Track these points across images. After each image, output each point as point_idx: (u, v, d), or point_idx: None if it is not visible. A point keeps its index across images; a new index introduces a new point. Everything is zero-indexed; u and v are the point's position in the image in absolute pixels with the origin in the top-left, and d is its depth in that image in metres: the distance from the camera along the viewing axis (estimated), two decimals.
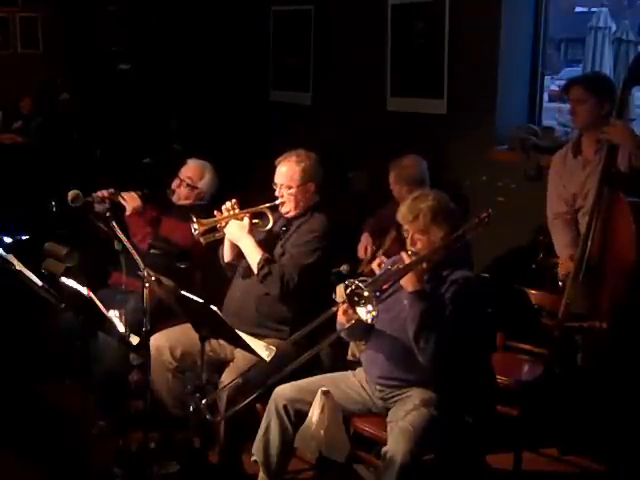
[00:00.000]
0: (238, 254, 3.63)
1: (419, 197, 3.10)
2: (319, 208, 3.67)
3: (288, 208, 3.62)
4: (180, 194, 4.26)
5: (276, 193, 3.63)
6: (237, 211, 3.56)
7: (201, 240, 3.59)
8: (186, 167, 4.29)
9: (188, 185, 4.23)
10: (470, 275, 3.12)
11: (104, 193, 3.93)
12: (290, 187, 3.58)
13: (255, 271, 3.49)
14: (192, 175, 4.25)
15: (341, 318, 3.02)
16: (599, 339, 3.51)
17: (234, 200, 3.57)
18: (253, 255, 3.51)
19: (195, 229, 3.52)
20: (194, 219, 3.52)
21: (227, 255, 3.69)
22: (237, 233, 3.55)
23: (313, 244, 3.53)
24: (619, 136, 3.42)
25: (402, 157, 4.43)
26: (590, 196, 3.58)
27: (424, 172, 4.42)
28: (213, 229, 3.59)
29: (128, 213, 4.09)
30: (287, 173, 3.59)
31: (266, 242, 3.61)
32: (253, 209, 3.60)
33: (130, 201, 4.10)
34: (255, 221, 3.60)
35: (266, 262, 3.47)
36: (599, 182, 3.49)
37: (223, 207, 3.57)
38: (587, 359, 3.60)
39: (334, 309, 3.02)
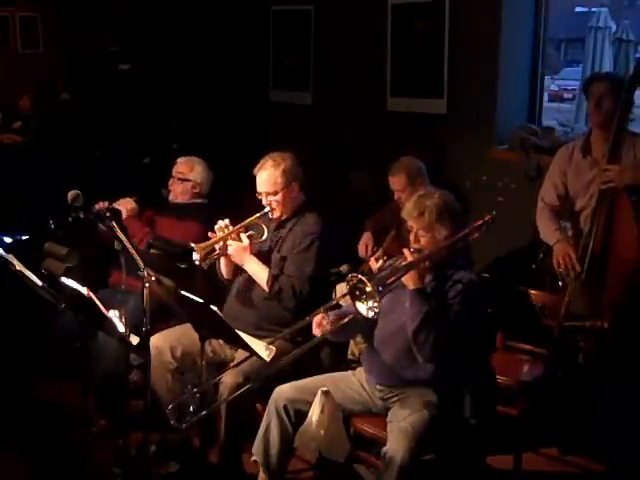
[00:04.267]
0: (236, 270, 3.64)
1: (425, 195, 3.10)
2: (308, 206, 3.65)
3: (278, 213, 3.60)
4: (175, 191, 4.29)
5: (263, 202, 3.59)
6: (231, 228, 3.52)
7: (203, 266, 3.53)
8: (176, 165, 4.35)
9: (180, 179, 4.27)
10: (474, 277, 3.11)
11: (101, 205, 3.94)
12: (276, 193, 3.55)
13: (267, 289, 3.48)
14: (182, 169, 4.30)
15: (315, 330, 3.06)
16: (600, 338, 3.51)
17: (226, 220, 3.53)
18: (260, 275, 3.50)
19: (196, 258, 3.44)
20: (193, 246, 3.45)
21: (226, 273, 3.69)
22: (241, 256, 3.52)
23: (313, 249, 3.52)
24: (620, 179, 3.43)
25: (398, 160, 4.39)
26: (594, 196, 3.58)
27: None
28: (211, 251, 3.53)
29: (125, 216, 4.12)
30: (268, 180, 3.55)
31: (262, 251, 3.59)
32: (246, 222, 3.57)
33: (124, 204, 4.15)
34: (250, 233, 3.58)
35: (275, 279, 3.47)
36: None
37: (216, 227, 3.53)
38: (588, 359, 3.60)
39: (308, 318, 3.07)
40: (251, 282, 3.58)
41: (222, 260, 3.65)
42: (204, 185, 4.30)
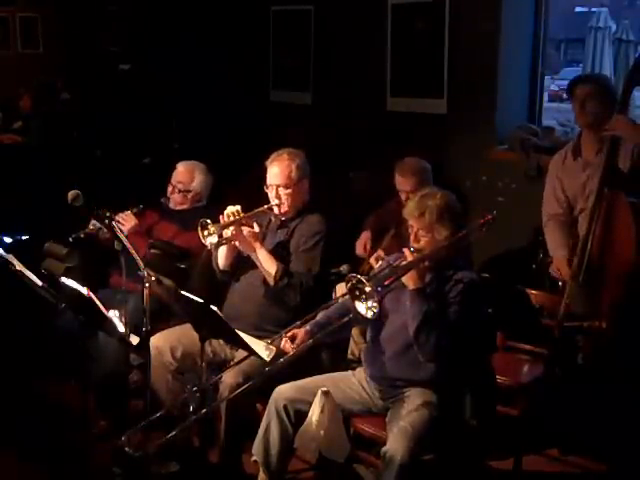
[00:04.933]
0: (233, 261, 3.62)
1: (427, 195, 3.10)
2: (312, 206, 3.64)
3: (286, 208, 3.58)
4: (175, 200, 4.26)
5: (270, 195, 3.57)
6: (242, 215, 3.48)
7: (214, 250, 3.54)
8: (175, 172, 4.28)
9: (180, 191, 4.23)
10: (474, 277, 3.11)
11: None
12: (287, 186, 3.54)
13: (272, 282, 3.45)
14: (182, 179, 4.24)
15: (287, 348, 3.13)
16: (599, 339, 3.51)
17: (238, 206, 3.48)
18: (269, 266, 3.46)
19: (212, 242, 3.41)
20: (208, 222, 3.39)
21: (223, 263, 3.65)
22: (252, 243, 3.48)
23: (319, 247, 3.52)
24: (624, 129, 3.42)
25: (404, 161, 4.37)
26: (591, 198, 3.57)
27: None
28: (220, 235, 3.50)
29: (127, 234, 4.07)
30: (282, 172, 3.54)
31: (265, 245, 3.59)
32: (255, 212, 3.55)
33: (127, 222, 4.07)
34: (260, 223, 3.57)
35: (284, 273, 3.45)
36: (600, 182, 3.49)
37: (226, 212, 3.47)
38: (587, 359, 3.60)
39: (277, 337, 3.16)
40: (252, 282, 3.57)
41: (221, 248, 3.61)
42: (204, 192, 4.28)
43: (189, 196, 4.24)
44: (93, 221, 3.93)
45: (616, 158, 3.48)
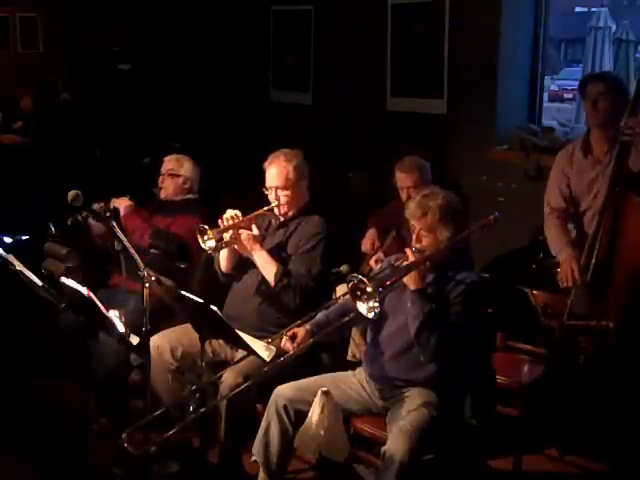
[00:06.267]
0: (235, 263, 3.62)
1: (430, 195, 3.09)
2: (312, 207, 3.64)
3: (286, 209, 3.58)
4: (167, 188, 4.28)
5: (270, 197, 3.57)
6: (241, 218, 3.48)
7: (213, 254, 3.56)
8: (164, 163, 4.35)
9: (170, 175, 4.27)
10: (476, 277, 3.11)
11: (97, 206, 3.96)
12: (286, 188, 3.53)
13: (272, 283, 3.45)
14: (172, 166, 4.30)
15: (287, 347, 3.14)
16: (606, 339, 3.49)
17: (237, 210, 3.48)
18: (268, 267, 3.46)
19: (210, 247, 3.42)
20: (206, 227, 3.39)
21: (225, 265, 3.64)
22: (252, 246, 3.48)
23: (320, 248, 3.51)
24: None
25: (404, 159, 4.37)
26: (599, 196, 3.56)
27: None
28: (219, 239, 3.49)
29: (123, 213, 4.11)
30: (280, 174, 3.53)
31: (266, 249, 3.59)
32: (255, 214, 3.55)
33: (121, 202, 4.13)
34: (258, 225, 3.57)
35: (284, 274, 3.44)
36: (610, 182, 3.47)
37: (225, 216, 3.48)
38: (591, 359, 3.59)
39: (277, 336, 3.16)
40: (252, 283, 3.57)
41: (222, 252, 3.61)
42: (194, 180, 4.31)
43: (180, 182, 4.26)
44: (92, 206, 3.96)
45: (627, 159, 3.47)
